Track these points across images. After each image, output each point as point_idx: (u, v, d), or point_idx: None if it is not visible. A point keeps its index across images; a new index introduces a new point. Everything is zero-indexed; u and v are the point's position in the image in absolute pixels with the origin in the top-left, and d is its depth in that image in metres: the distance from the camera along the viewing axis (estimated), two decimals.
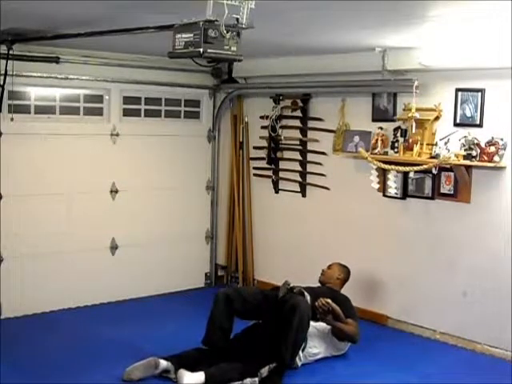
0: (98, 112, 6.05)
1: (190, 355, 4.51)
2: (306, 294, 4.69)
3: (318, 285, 5.12)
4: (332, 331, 4.77)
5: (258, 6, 3.00)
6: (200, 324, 5.09)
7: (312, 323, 4.62)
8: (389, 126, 5.46)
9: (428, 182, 5.31)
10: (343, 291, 5.14)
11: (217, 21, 3.02)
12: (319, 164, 6.10)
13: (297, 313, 4.32)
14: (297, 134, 6.27)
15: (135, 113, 6.29)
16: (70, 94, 5.85)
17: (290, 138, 6.32)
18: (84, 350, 4.91)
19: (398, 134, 5.35)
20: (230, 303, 4.59)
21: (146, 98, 6.35)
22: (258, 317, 4.72)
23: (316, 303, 4.61)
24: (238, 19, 3.03)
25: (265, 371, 4.32)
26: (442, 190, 5.24)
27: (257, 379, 4.26)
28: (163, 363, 4.37)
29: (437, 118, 5.16)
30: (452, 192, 5.17)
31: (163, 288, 6.45)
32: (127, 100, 6.22)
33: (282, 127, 6.35)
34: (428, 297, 5.39)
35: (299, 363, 4.56)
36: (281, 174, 6.47)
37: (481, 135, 4.86)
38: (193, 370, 4.34)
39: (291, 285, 4.71)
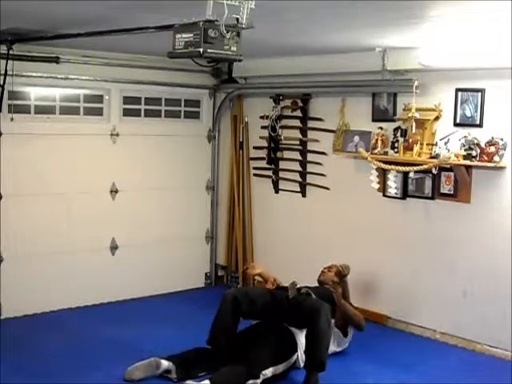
0: (98, 112, 6.05)
1: (191, 355, 4.51)
2: (312, 295, 4.69)
3: (316, 284, 5.10)
4: (336, 323, 4.77)
5: (258, 6, 3.00)
6: (200, 324, 5.09)
7: None
8: (389, 126, 5.46)
9: (428, 182, 5.31)
10: None
11: (217, 21, 3.02)
12: (319, 164, 6.10)
13: (321, 316, 4.27)
14: (297, 134, 6.27)
15: (135, 113, 6.29)
16: (70, 93, 5.85)
17: (289, 138, 6.32)
18: (84, 349, 4.92)
19: (398, 134, 5.35)
20: (238, 305, 4.55)
21: (146, 98, 6.35)
22: (264, 318, 4.69)
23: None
24: (238, 19, 3.03)
25: (269, 372, 4.31)
26: (442, 190, 5.24)
27: (258, 381, 4.24)
28: (164, 363, 4.37)
29: (437, 118, 5.16)
30: (452, 192, 5.17)
31: (163, 288, 6.45)
32: (127, 100, 6.22)
33: (282, 127, 6.35)
34: (428, 297, 5.39)
35: (301, 363, 4.54)
36: (281, 174, 6.47)
37: (481, 135, 4.86)
38: (193, 369, 4.34)
39: (298, 285, 4.71)
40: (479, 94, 4.94)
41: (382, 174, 5.52)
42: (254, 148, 6.66)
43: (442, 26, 3.97)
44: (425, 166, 5.03)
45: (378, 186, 5.56)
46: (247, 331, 4.72)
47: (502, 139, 4.79)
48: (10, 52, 5.10)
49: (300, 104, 6.20)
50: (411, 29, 4.11)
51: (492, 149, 4.79)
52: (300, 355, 4.53)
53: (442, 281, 5.30)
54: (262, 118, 6.46)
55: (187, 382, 4.19)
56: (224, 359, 4.37)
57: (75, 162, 5.88)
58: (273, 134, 6.36)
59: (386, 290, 5.65)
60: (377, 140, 5.47)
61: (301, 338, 4.54)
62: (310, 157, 6.21)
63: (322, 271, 5.15)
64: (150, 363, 4.36)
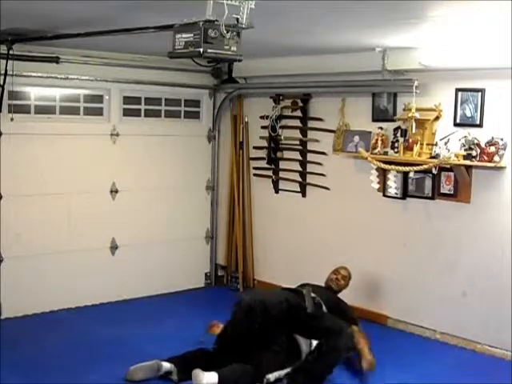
0: (98, 112, 6.05)
1: (193, 356, 4.48)
2: (323, 307, 4.66)
3: (321, 284, 5.09)
4: None
5: (258, 6, 3.00)
6: (200, 324, 5.11)
7: None
8: (389, 126, 5.46)
9: (428, 182, 5.31)
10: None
11: (217, 21, 3.02)
12: (319, 164, 6.10)
13: (343, 339, 4.31)
14: (297, 134, 6.27)
15: (135, 113, 6.29)
16: (70, 93, 5.85)
17: (289, 138, 6.32)
18: (84, 349, 4.92)
19: (398, 134, 5.35)
20: (252, 316, 4.42)
21: (145, 98, 6.35)
22: (275, 328, 4.52)
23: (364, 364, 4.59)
24: (238, 19, 3.04)
25: (272, 377, 4.29)
26: (442, 190, 5.24)
27: None
28: (166, 365, 4.37)
29: (437, 118, 5.16)
30: (452, 192, 5.18)
31: (163, 288, 6.45)
32: (127, 100, 6.22)
33: (282, 127, 6.35)
34: (428, 297, 5.39)
35: None
36: (281, 174, 6.47)
37: (481, 135, 4.86)
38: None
39: (312, 294, 4.63)
40: (479, 93, 4.94)
41: (382, 174, 5.52)
42: (254, 148, 6.65)
43: (442, 25, 3.97)
44: (425, 166, 5.03)
45: (378, 186, 5.56)
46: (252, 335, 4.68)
47: (502, 139, 4.79)
48: (10, 52, 5.10)
49: (300, 104, 6.20)
50: (411, 29, 4.11)
51: (492, 149, 4.79)
52: None
53: (442, 281, 5.30)
54: (262, 118, 6.46)
55: (195, 370, 4.11)
56: (227, 361, 4.35)
57: (75, 161, 5.88)
58: (273, 134, 6.36)
59: (386, 290, 5.65)
60: (377, 140, 5.47)
61: (304, 346, 4.53)
62: (310, 157, 6.21)
63: (336, 278, 5.10)
64: (152, 365, 4.35)
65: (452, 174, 5.13)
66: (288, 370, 4.40)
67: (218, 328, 4.85)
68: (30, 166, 5.62)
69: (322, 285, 5.11)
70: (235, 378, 4.17)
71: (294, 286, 4.95)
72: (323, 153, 6.04)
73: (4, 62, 5.15)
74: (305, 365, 4.35)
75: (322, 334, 4.37)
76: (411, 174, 5.26)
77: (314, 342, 4.47)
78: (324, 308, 4.69)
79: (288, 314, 4.50)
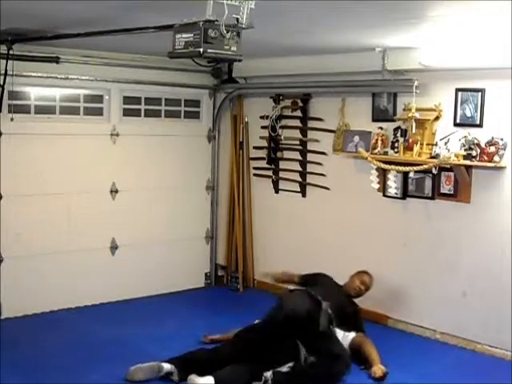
0: (98, 112, 6.05)
1: (193, 357, 4.48)
2: (334, 323, 4.64)
3: (339, 283, 5.11)
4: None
5: (258, 6, 3.00)
6: (200, 324, 5.10)
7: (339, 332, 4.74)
8: (389, 126, 5.46)
9: (428, 182, 5.31)
10: None
11: (217, 21, 3.02)
12: (319, 164, 6.10)
13: (342, 365, 4.37)
14: (297, 133, 6.27)
15: (135, 113, 6.29)
16: (70, 93, 5.85)
17: (290, 138, 6.32)
18: (84, 349, 4.92)
19: (398, 134, 5.35)
20: (287, 327, 4.45)
21: (145, 98, 6.35)
22: (288, 332, 4.53)
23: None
24: (238, 19, 3.04)
25: (270, 373, 4.31)
26: (442, 190, 5.24)
27: (260, 383, 4.25)
28: (166, 367, 4.36)
29: (437, 118, 5.16)
30: (452, 192, 5.18)
31: (163, 288, 6.45)
32: (127, 100, 6.22)
33: (282, 127, 6.35)
34: (428, 297, 5.39)
35: None
36: (281, 174, 6.47)
37: (481, 135, 4.87)
38: (195, 371, 4.31)
39: (329, 310, 4.57)
40: (479, 93, 4.94)
41: (382, 174, 5.52)
42: (254, 148, 6.66)
43: (442, 25, 3.97)
44: (425, 166, 5.03)
45: (378, 186, 5.56)
46: (254, 334, 4.67)
47: (502, 139, 4.79)
48: (10, 52, 5.10)
49: (300, 104, 6.20)
50: (411, 29, 4.11)
51: (492, 149, 4.79)
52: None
53: (442, 281, 5.30)
54: (262, 118, 6.46)
55: (190, 376, 4.15)
56: (227, 360, 4.35)
57: (75, 161, 5.88)
58: (273, 134, 6.36)
59: (386, 290, 5.64)
60: (377, 140, 5.47)
61: (304, 352, 4.52)
62: (310, 157, 6.21)
63: (360, 288, 5.12)
64: (152, 367, 4.35)
65: (452, 173, 5.13)
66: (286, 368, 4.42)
67: (215, 337, 4.89)
68: (30, 166, 5.62)
69: (341, 283, 5.13)
70: (232, 379, 4.17)
71: (314, 272, 5.03)
72: (323, 153, 6.04)
73: (4, 61, 5.15)
74: (295, 371, 4.37)
75: (322, 355, 4.39)
76: (411, 174, 5.26)
77: None
78: (334, 324, 4.64)
79: (304, 323, 4.49)
